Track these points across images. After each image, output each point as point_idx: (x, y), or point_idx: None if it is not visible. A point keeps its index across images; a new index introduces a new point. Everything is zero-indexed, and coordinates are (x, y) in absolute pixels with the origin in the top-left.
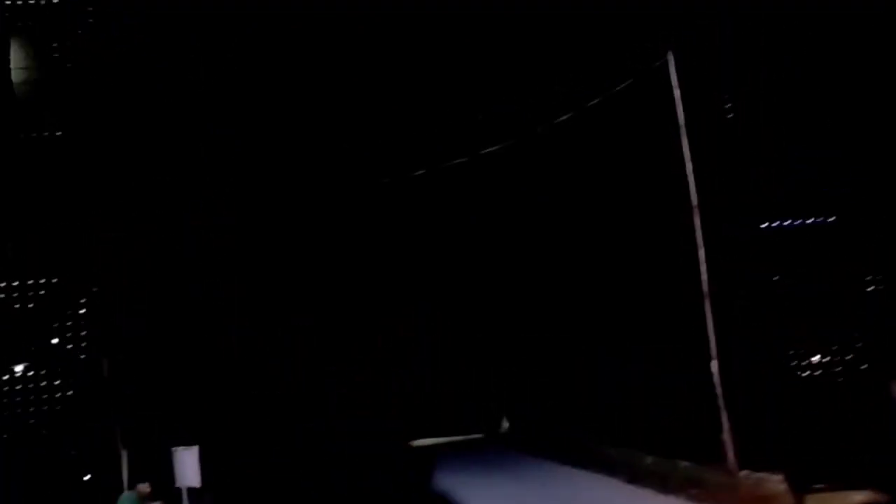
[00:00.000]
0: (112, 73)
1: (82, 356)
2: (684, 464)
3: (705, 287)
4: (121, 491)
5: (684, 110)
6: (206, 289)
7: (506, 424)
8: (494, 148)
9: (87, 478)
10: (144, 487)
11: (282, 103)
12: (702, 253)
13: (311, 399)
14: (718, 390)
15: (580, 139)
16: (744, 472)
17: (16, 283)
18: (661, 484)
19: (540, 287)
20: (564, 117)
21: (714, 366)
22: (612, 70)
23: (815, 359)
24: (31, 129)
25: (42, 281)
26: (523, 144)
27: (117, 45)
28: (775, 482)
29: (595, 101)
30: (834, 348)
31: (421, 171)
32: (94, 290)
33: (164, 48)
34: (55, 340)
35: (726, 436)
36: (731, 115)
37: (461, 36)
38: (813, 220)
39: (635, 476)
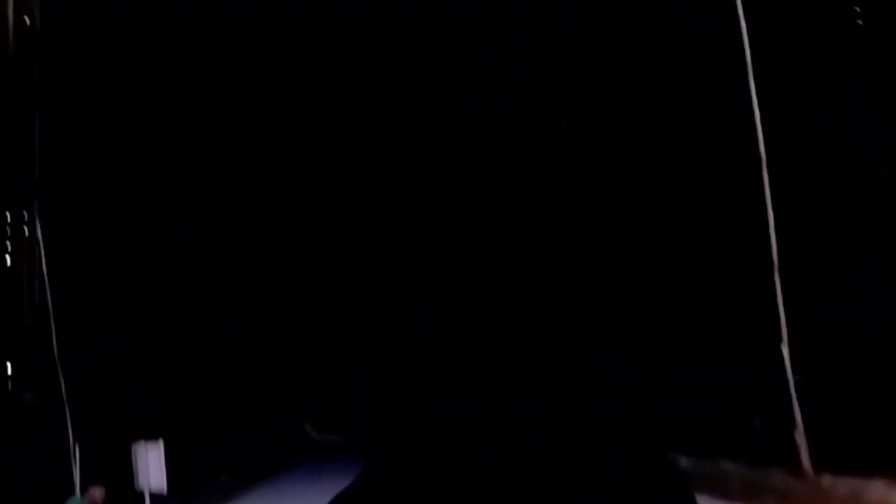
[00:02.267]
0: (112, 72)
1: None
2: (731, 466)
3: (775, 258)
4: (71, 493)
5: None
6: (206, 289)
7: None
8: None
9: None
10: (97, 492)
11: (282, 103)
12: (770, 217)
13: (311, 399)
14: (790, 378)
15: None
16: (825, 477)
17: None
18: (712, 489)
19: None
20: None
21: (785, 350)
22: None
23: None
24: (30, 126)
25: None
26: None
27: (117, 45)
28: (879, 489)
29: None
30: None
31: (421, 171)
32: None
33: (164, 48)
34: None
35: (798, 434)
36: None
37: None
38: None
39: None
